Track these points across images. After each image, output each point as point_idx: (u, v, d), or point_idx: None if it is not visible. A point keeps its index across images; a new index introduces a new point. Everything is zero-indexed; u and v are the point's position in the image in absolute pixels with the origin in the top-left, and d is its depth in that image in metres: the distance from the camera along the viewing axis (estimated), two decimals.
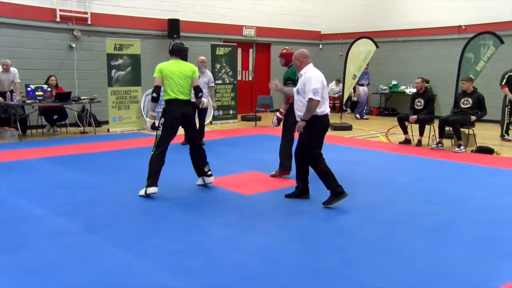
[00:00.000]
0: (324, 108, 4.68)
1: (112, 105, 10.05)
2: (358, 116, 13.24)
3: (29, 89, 8.75)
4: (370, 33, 12.16)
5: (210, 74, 8.37)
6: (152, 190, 4.85)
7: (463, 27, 12.25)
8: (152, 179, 4.87)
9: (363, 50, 10.82)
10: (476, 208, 4.72)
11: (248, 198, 5.00)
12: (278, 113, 6.03)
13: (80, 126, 10.06)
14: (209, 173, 5.36)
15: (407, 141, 8.63)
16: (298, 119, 4.76)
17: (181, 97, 5.00)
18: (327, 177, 4.69)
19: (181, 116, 5.01)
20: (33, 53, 9.99)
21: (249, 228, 4.08)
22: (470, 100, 7.99)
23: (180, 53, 5.14)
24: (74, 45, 10.52)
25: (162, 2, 11.81)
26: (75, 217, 4.27)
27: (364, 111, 13.41)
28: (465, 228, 4.12)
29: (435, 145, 8.20)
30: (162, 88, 5.03)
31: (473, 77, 8.63)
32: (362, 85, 13.05)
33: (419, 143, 8.47)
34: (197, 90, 5.18)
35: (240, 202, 4.86)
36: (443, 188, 5.47)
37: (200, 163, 5.30)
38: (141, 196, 4.90)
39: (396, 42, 13.80)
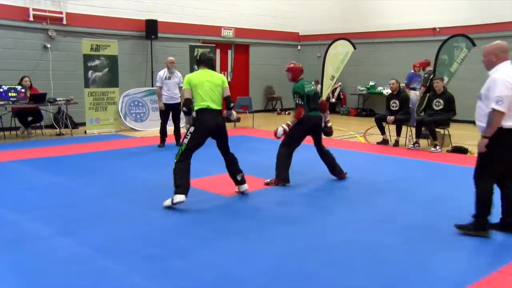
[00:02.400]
0: None
1: (89, 106, 9.89)
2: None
3: (1, 90, 8.53)
4: (347, 34, 12.29)
5: (180, 74, 8.34)
6: (180, 198, 4.52)
7: (438, 29, 12.51)
8: (181, 187, 4.56)
9: (341, 51, 10.91)
10: (452, 206, 4.81)
11: (228, 200, 4.99)
12: (285, 125, 5.75)
13: (56, 128, 9.87)
14: (242, 180, 5.18)
15: (384, 142, 8.76)
16: (479, 131, 3.87)
17: (213, 106, 4.78)
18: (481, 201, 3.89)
19: (215, 127, 4.79)
20: (5, 53, 9.74)
21: (227, 230, 4.07)
22: (442, 101, 8.14)
23: (208, 62, 5.00)
24: (49, 46, 10.31)
25: (139, 3, 11.68)
26: (50, 221, 4.18)
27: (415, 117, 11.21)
28: (441, 227, 4.19)
29: (412, 145, 8.34)
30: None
31: (446, 78, 8.82)
32: (414, 89, 10.80)
33: (396, 143, 8.60)
34: (229, 100, 5.00)
35: (219, 204, 4.84)
36: (420, 188, 5.57)
37: (235, 172, 5.12)
38: (165, 206, 4.58)
39: (373, 44, 14.00)
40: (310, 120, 5.67)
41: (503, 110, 3.56)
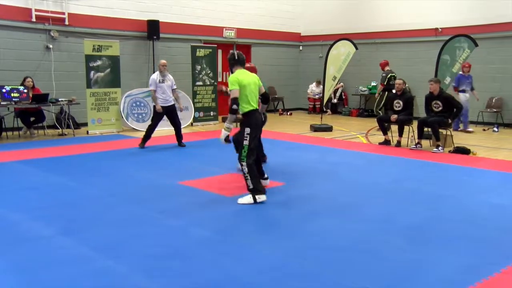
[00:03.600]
0: None
1: (91, 106, 9.91)
2: (461, 126, 10.66)
3: (3, 90, 8.56)
4: (349, 34, 12.29)
5: (172, 77, 8.37)
6: (263, 197, 4.84)
7: (440, 29, 12.49)
8: (260, 189, 4.85)
9: (342, 52, 10.92)
10: (454, 207, 4.80)
11: (229, 200, 4.99)
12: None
13: (58, 128, 9.88)
14: (265, 176, 5.46)
15: (386, 142, 8.74)
16: None
17: (256, 107, 5.00)
18: None
19: (261, 125, 5.10)
20: (7, 53, 9.76)
21: (229, 230, 4.07)
22: (440, 103, 8.10)
23: (244, 62, 5.10)
24: (51, 46, 10.33)
25: (141, 3, 11.70)
26: (52, 220, 4.19)
27: (467, 121, 10.68)
28: (443, 227, 4.19)
29: (414, 146, 8.33)
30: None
31: (448, 79, 8.82)
32: (463, 91, 10.53)
33: (398, 144, 8.58)
34: (267, 96, 5.34)
35: (220, 204, 4.84)
36: (422, 188, 5.56)
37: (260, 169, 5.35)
38: (243, 203, 4.77)
39: (374, 44, 13.98)
40: None
41: None
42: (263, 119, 5.66)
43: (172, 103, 8.19)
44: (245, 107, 4.92)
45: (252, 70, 5.82)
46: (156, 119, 8.19)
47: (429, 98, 8.31)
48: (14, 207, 4.57)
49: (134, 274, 3.15)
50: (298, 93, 15.96)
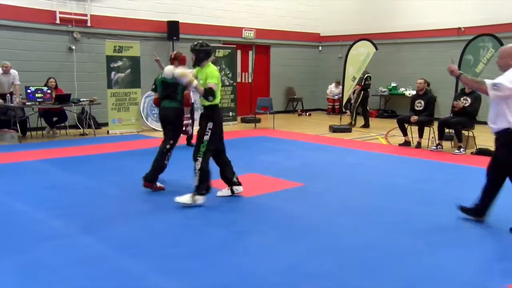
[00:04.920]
0: None
1: (112, 107, 10.05)
2: None
3: (29, 91, 8.76)
4: (369, 35, 12.17)
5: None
6: (202, 200, 4.73)
7: (463, 29, 12.27)
8: (203, 192, 4.74)
9: (362, 52, 10.82)
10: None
11: (248, 200, 5.00)
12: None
13: (79, 128, 10.06)
14: (237, 181, 5.15)
15: (406, 143, 8.63)
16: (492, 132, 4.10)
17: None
18: None
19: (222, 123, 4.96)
20: (33, 55, 10.00)
21: (247, 230, 4.08)
22: (469, 100, 7.99)
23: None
24: (73, 47, 10.53)
25: (161, 4, 11.82)
26: (73, 219, 4.26)
27: None
28: (464, 230, 4.11)
29: (435, 147, 8.20)
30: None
31: None
32: None
33: (418, 145, 8.47)
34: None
35: (239, 204, 4.85)
36: (443, 190, 5.47)
37: (231, 173, 5.11)
38: (182, 202, 4.65)
39: (395, 44, 13.82)
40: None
41: (493, 94, 3.77)
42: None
43: (192, 100, 8.20)
44: (216, 102, 4.76)
45: (181, 59, 5.86)
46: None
47: (459, 95, 8.28)
48: (37, 205, 4.67)
49: (151, 273, 3.18)
50: (317, 93, 15.89)
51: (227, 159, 5.08)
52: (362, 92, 11.62)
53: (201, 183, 4.66)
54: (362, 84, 11.59)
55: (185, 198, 4.66)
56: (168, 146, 5.40)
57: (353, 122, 11.80)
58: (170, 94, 5.59)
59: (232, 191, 5.11)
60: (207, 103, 4.71)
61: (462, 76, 4.16)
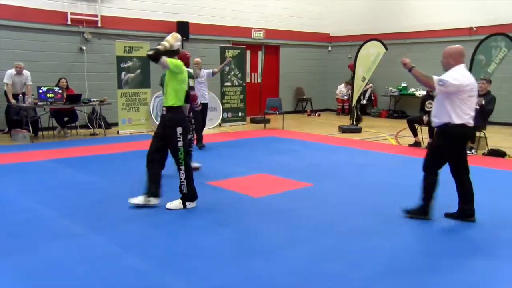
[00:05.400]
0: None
1: (122, 107, 10.12)
2: None
3: (40, 91, 8.85)
4: (379, 35, 12.10)
5: (207, 72, 8.41)
6: (193, 204, 4.69)
7: (474, 28, 12.15)
8: (195, 196, 4.68)
9: (372, 52, 10.77)
10: (488, 212, 4.65)
11: (257, 200, 5.00)
12: None
13: (90, 128, 10.14)
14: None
15: (416, 144, 8.57)
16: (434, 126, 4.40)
17: (184, 104, 4.72)
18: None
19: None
20: (44, 56, 10.10)
21: (256, 230, 4.08)
22: (483, 101, 7.91)
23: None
24: (84, 48, 10.62)
25: (171, 5, 11.87)
26: (83, 218, 4.30)
27: None
28: (473, 231, 4.07)
29: None
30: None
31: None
32: None
33: (429, 146, 8.39)
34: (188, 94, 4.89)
35: (248, 204, 4.86)
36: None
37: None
38: (174, 209, 4.61)
39: (405, 44, 13.72)
40: None
41: (438, 89, 4.02)
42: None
43: (206, 101, 8.26)
44: (177, 101, 4.57)
45: (185, 58, 5.81)
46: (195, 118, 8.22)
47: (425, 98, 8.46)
48: (47, 204, 4.71)
49: (160, 272, 3.19)
50: (326, 94, 15.84)
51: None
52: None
53: (189, 186, 4.59)
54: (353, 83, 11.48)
55: (175, 204, 4.62)
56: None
57: (354, 122, 11.61)
58: None
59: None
60: (174, 103, 4.56)
61: (414, 69, 4.29)
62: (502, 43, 8.90)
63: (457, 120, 4.05)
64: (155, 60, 4.44)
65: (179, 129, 4.54)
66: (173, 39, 4.62)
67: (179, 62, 4.62)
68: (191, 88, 5.86)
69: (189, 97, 5.62)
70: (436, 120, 4.22)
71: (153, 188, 4.66)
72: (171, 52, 4.60)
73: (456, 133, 4.10)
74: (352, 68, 11.80)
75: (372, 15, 14.29)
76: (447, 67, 4.18)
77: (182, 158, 4.58)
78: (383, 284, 3.06)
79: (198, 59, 8.42)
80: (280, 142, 9.26)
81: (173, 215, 4.44)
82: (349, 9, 14.98)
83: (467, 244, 3.80)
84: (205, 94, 8.21)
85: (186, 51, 6.70)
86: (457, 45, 4.24)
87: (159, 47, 4.47)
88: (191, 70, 7.84)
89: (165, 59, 4.47)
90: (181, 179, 4.59)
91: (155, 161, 4.75)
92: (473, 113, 4.11)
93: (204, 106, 8.26)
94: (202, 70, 8.27)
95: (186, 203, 4.63)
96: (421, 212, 4.32)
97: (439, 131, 4.29)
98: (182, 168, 4.58)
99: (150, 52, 4.45)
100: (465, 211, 4.28)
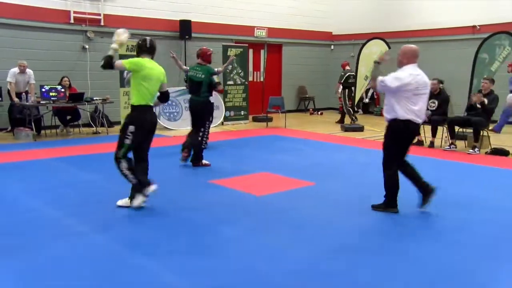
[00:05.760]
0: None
1: (124, 105, 10.10)
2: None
3: (43, 90, 8.87)
4: (381, 33, 12.08)
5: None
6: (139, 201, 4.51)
7: (478, 27, 12.10)
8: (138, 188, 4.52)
9: (375, 51, 10.74)
10: (489, 210, 4.65)
11: (259, 199, 5.00)
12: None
13: (92, 127, 10.16)
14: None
15: (419, 143, 8.55)
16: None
17: (150, 104, 4.57)
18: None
19: (149, 128, 4.59)
20: (47, 54, 10.12)
21: (258, 229, 4.08)
22: (486, 101, 7.90)
23: (154, 53, 4.68)
24: (87, 46, 10.64)
25: (173, 3, 11.87)
26: (86, 217, 4.30)
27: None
28: (477, 231, 4.06)
29: (448, 147, 8.11)
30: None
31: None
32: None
33: (431, 145, 8.39)
34: (166, 94, 4.84)
35: (250, 203, 4.86)
36: (456, 190, 5.41)
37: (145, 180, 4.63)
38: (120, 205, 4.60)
39: (408, 43, 13.63)
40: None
41: (379, 89, 4.34)
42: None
43: (211, 101, 8.25)
44: (138, 100, 4.44)
45: (205, 55, 6.49)
46: None
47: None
48: (51, 203, 4.73)
49: (164, 271, 3.20)
50: (329, 92, 15.81)
51: (144, 167, 4.74)
52: (347, 90, 11.55)
53: (134, 180, 4.49)
54: (342, 82, 11.64)
55: (124, 201, 4.56)
56: (201, 133, 6.37)
57: (352, 119, 11.52)
58: (194, 90, 6.49)
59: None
60: (135, 102, 4.49)
61: (377, 65, 4.59)
62: (505, 41, 8.87)
63: (403, 116, 4.28)
64: (110, 67, 4.42)
65: (131, 128, 4.43)
66: (117, 37, 4.59)
67: (136, 60, 4.52)
68: (217, 83, 6.67)
69: (195, 90, 6.25)
70: (386, 116, 4.46)
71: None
72: (146, 49, 4.64)
73: (402, 128, 4.32)
74: (345, 67, 11.89)
75: (375, 13, 14.26)
76: (399, 65, 4.39)
77: (121, 154, 4.44)
78: (387, 281, 3.05)
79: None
80: (283, 140, 9.26)
81: (176, 214, 4.45)
82: (352, 7, 14.95)
83: (484, 251, 3.79)
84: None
85: (207, 48, 6.89)
86: (413, 46, 4.46)
87: (109, 52, 4.46)
88: (217, 68, 8.00)
89: (119, 62, 4.47)
90: (123, 174, 4.48)
91: (135, 160, 4.69)
92: (419, 109, 4.30)
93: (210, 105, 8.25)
94: None
95: (136, 195, 4.45)
96: (388, 206, 4.54)
97: (388, 126, 4.49)
98: (117, 165, 4.46)
99: (101, 63, 4.42)
100: (425, 188, 4.50)
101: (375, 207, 4.59)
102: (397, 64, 4.43)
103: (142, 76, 4.45)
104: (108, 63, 4.37)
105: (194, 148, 6.40)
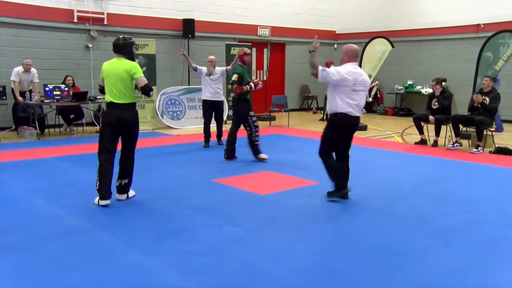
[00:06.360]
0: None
1: None
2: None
3: (47, 89, 8.89)
4: (385, 32, 12.05)
5: (220, 69, 8.45)
6: (104, 202, 4.52)
7: (482, 25, 12.05)
8: (104, 195, 4.52)
9: (378, 50, 10.73)
10: (492, 210, 4.63)
11: (263, 198, 5.00)
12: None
13: (96, 125, 10.17)
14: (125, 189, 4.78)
15: (423, 142, 8.53)
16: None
17: (113, 100, 4.58)
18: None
19: (116, 124, 4.55)
20: (51, 53, 10.14)
21: (262, 228, 4.07)
22: (487, 99, 7.88)
23: (120, 51, 4.74)
24: (90, 45, 10.66)
25: (177, 2, 11.88)
26: (90, 215, 4.32)
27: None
28: (481, 230, 4.05)
29: (451, 145, 8.08)
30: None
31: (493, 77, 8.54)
32: None
33: (435, 144, 8.36)
34: (145, 90, 4.73)
35: (254, 202, 4.86)
36: (459, 190, 5.39)
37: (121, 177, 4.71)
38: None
39: (412, 42, 13.65)
40: None
41: (320, 76, 4.64)
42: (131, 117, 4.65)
43: (220, 99, 8.29)
44: (106, 97, 4.65)
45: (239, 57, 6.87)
46: (206, 116, 8.26)
47: (431, 96, 8.39)
48: (55, 201, 4.74)
49: (167, 271, 3.20)
50: None
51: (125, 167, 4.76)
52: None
53: (100, 182, 4.52)
54: None
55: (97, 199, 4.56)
56: (248, 129, 6.92)
57: (324, 117, 11.62)
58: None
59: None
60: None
61: (313, 53, 4.86)
62: (510, 40, 8.84)
63: (341, 110, 4.63)
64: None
65: (101, 123, 4.72)
66: None
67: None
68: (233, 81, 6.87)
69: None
70: (329, 109, 4.87)
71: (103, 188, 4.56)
72: (113, 49, 4.77)
73: (340, 121, 4.68)
74: (330, 65, 12.01)
75: (379, 12, 14.23)
76: (341, 62, 4.76)
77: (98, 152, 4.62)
78: (390, 280, 3.05)
79: (212, 57, 8.47)
80: (286, 139, 9.25)
81: (178, 214, 4.45)
82: (356, 6, 14.93)
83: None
84: (219, 92, 8.26)
85: (242, 49, 7.15)
86: (354, 45, 4.78)
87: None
88: (226, 67, 8.20)
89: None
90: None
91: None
92: (356, 104, 4.66)
93: (220, 103, 8.31)
94: (216, 67, 8.31)
95: (96, 199, 4.55)
96: (337, 192, 4.81)
97: (329, 118, 4.89)
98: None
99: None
100: (343, 186, 4.81)
101: (330, 195, 4.83)
102: (340, 61, 4.80)
103: (103, 76, 4.71)
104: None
105: (227, 142, 6.97)
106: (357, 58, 4.76)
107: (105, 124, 4.66)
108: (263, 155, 6.83)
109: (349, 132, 4.85)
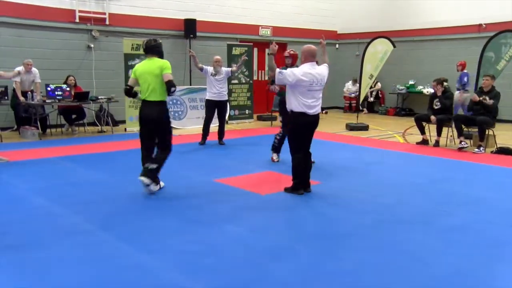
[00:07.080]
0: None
1: (129, 104, 10.14)
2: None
3: (49, 89, 8.91)
4: (387, 32, 12.04)
5: (226, 69, 8.47)
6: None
7: (484, 25, 12.04)
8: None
9: (380, 50, 10.72)
10: (494, 210, 4.63)
11: (264, 198, 5.00)
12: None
13: (97, 125, 10.18)
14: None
15: (424, 142, 8.53)
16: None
17: (146, 98, 4.99)
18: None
19: (147, 119, 4.99)
20: (53, 53, 10.15)
21: (264, 228, 4.08)
22: (487, 98, 7.86)
23: (151, 51, 5.03)
24: (92, 45, 10.66)
25: (178, 2, 11.88)
26: (92, 215, 4.32)
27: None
28: (482, 230, 4.04)
29: (461, 146, 7.90)
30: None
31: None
32: (458, 89, 10.32)
33: (436, 144, 8.35)
34: (168, 85, 4.88)
35: (255, 202, 4.86)
36: (461, 190, 5.39)
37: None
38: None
39: (413, 42, 13.64)
40: None
41: (277, 78, 4.79)
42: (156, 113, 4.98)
43: (224, 99, 8.30)
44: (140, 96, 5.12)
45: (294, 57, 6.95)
46: (207, 114, 8.27)
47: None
48: (57, 201, 4.75)
49: (169, 270, 3.20)
50: (334, 91, 15.77)
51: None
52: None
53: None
54: None
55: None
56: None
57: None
58: None
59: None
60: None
61: (271, 56, 4.99)
62: (511, 40, 8.82)
63: (297, 109, 4.83)
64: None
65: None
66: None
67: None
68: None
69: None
70: (288, 107, 5.00)
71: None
72: (144, 51, 5.10)
73: (297, 119, 4.88)
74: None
75: (380, 12, 14.22)
76: (301, 62, 4.95)
77: None
78: (392, 280, 3.05)
79: (218, 57, 8.48)
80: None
81: (181, 213, 4.46)
82: (358, 6, 14.92)
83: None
84: (223, 92, 8.26)
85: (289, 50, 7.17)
86: (311, 46, 4.93)
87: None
88: (231, 68, 8.20)
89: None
90: None
91: None
92: (311, 103, 4.84)
93: (223, 103, 8.32)
94: (222, 68, 8.32)
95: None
96: (293, 190, 5.06)
97: (288, 117, 5.08)
98: None
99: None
100: (304, 183, 5.08)
101: (286, 190, 5.11)
102: (300, 61, 4.99)
103: (135, 76, 5.13)
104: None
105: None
106: (315, 58, 4.92)
107: (139, 121, 5.07)
108: (274, 156, 6.90)
109: (308, 130, 5.01)
